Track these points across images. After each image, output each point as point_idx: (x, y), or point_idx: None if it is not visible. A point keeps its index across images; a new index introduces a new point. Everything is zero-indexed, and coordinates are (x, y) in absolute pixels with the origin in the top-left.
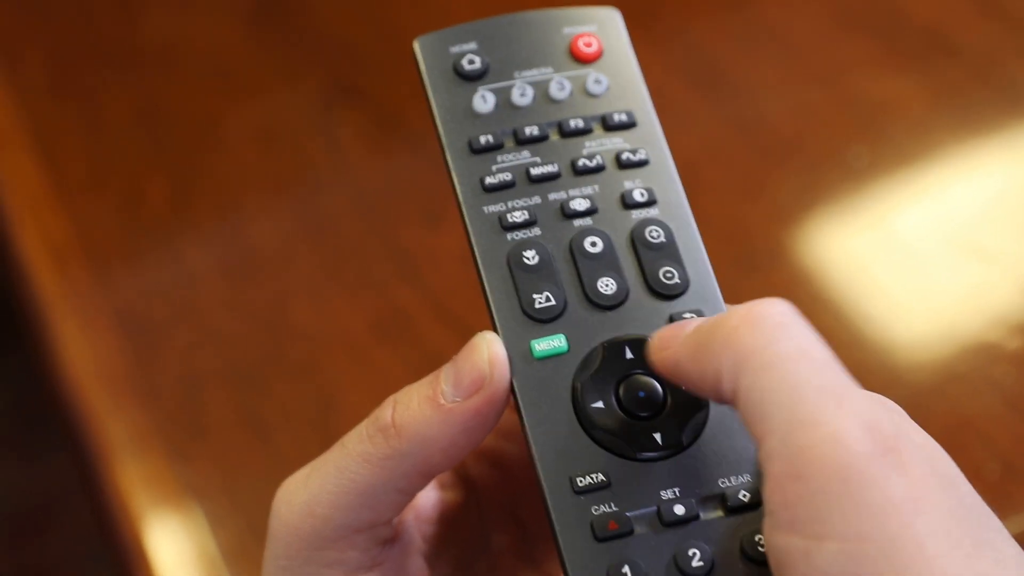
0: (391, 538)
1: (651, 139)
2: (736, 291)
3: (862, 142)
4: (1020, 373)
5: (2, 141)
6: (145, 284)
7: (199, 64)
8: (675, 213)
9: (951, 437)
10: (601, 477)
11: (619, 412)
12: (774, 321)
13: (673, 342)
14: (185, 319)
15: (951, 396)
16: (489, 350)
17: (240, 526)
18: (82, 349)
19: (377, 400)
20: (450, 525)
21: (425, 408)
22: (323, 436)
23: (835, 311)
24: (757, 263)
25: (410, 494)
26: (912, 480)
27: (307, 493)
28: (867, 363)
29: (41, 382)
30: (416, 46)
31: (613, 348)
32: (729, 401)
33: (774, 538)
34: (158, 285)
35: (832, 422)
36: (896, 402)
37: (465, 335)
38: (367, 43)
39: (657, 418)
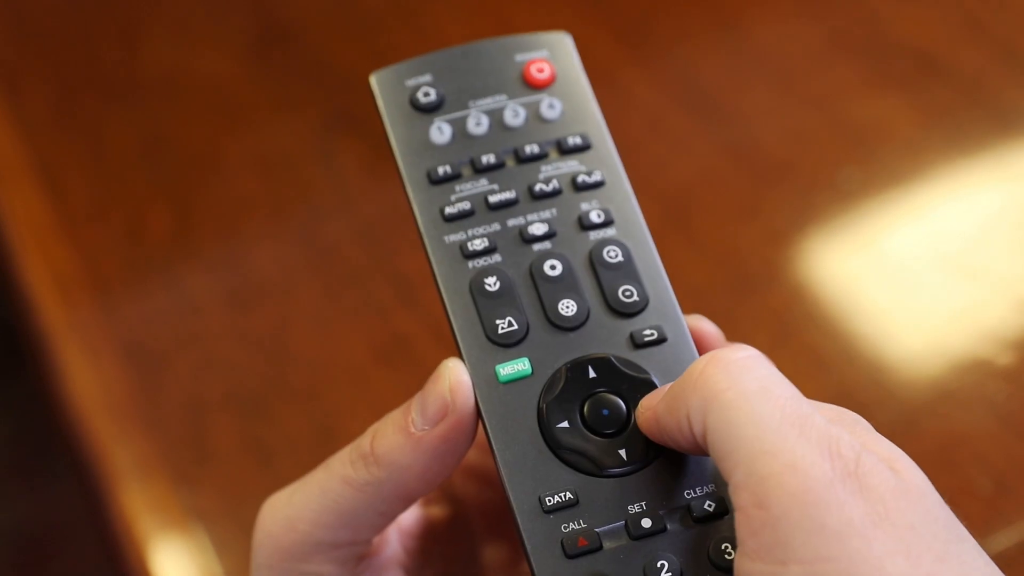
0: (370, 554)
1: (606, 160)
2: (731, 313)
3: (853, 164)
4: (1012, 389)
5: (6, 172)
6: (149, 312)
7: (200, 94)
8: (632, 232)
9: (943, 454)
10: (569, 495)
11: (584, 431)
12: (737, 364)
13: (653, 400)
14: (188, 346)
15: (943, 413)
16: (451, 378)
17: (244, 549)
18: (87, 377)
19: None
20: (435, 540)
21: (398, 437)
22: (324, 460)
23: (829, 330)
24: (751, 285)
25: (391, 516)
26: (872, 501)
27: (291, 508)
28: (860, 381)
29: (47, 410)
30: (372, 81)
31: (576, 369)
32: (701, 444)
33: (743, 566)
34: (161, 313)
35: (792, 451)
36: (889, 419)
37: None
38: (364, 72)
39: (621, 435)
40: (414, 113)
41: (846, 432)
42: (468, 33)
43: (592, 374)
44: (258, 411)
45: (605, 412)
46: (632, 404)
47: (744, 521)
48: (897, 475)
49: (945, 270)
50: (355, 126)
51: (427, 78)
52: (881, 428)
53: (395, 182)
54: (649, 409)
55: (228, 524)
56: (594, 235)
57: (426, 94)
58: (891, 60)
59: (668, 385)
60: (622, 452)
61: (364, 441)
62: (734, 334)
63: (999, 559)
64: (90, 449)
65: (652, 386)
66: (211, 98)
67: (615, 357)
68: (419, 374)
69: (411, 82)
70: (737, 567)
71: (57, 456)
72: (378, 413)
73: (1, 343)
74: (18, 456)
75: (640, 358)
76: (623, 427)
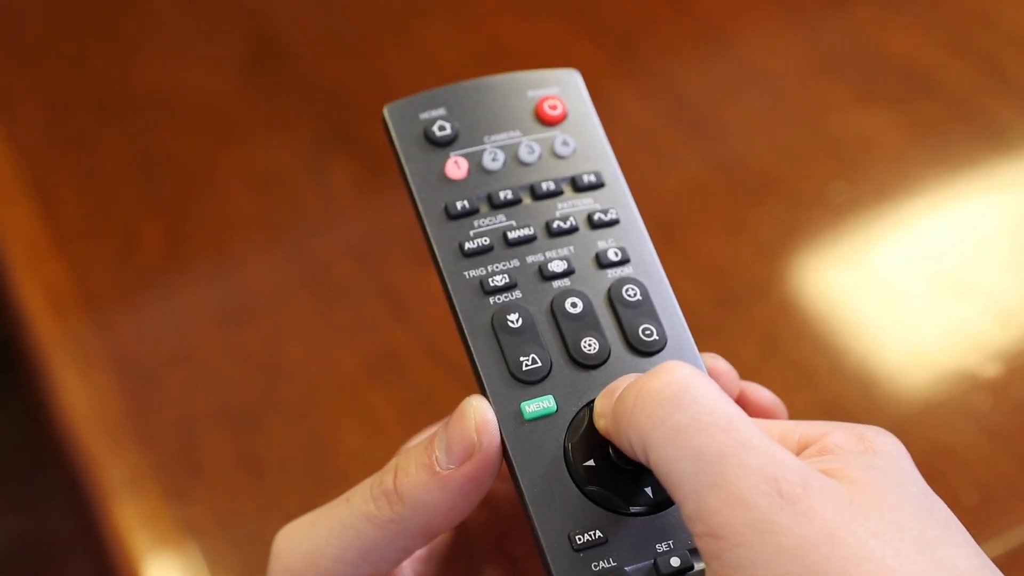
0: None
1: (619, 198)
2: (719, 327)
3: (841, 178)
4: (997, 401)
5: (0, 189)
6: (141, 328)
7: (192, 111)
8: (648, 271)
9: (930, 464)
10: (598, 534)
11: (609, 469)
12: (663, 395)
13: (605, 411)
14: (181, 362)
15: (929, 424)
16: (476, 416)
17: (237, 563)
18: (80, 392)
19: (370, 439)
20: (441, 563)
21: (422, 475)
22: (317, 474)
23: (816, 344)
24: (739, 299)
25: (412, 551)
26: (823, 521)
27: (311, 543)
28: (848, 393)
29: (40, 426)
30: (386, 113)
31: None
32: (651, 468)
33: None
34: (154, 329)
35: (736, 483)
36: None
37: (456, 374)
38: (356, 90)
39: (646, 472)
40: (429, 146)
41: (791, 457)
42: (459, 50)
43: None
44: (250, 426)
45: None
46: None
47: (704, 548)
48: (863, 491)
49: (931, 284)
50: (346, 143)
51: (441, 111)
52: None
53: (387, 198)
54: (601, 419)
55: (220, 538)
56: (612, 273)
57: (441, 128)
58: (878, 75)
59: (616, 389)
60: (648, 490)
61: (387, 478)
62: (721, 348)
63: None
64: (83, 464)
65: None
66: (203, 115)
67: None
68: (410, 388)
69: (425, 115)
70: None
71: (47, 477)
72: (370, 426)
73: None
74: (8, 477)
75: None
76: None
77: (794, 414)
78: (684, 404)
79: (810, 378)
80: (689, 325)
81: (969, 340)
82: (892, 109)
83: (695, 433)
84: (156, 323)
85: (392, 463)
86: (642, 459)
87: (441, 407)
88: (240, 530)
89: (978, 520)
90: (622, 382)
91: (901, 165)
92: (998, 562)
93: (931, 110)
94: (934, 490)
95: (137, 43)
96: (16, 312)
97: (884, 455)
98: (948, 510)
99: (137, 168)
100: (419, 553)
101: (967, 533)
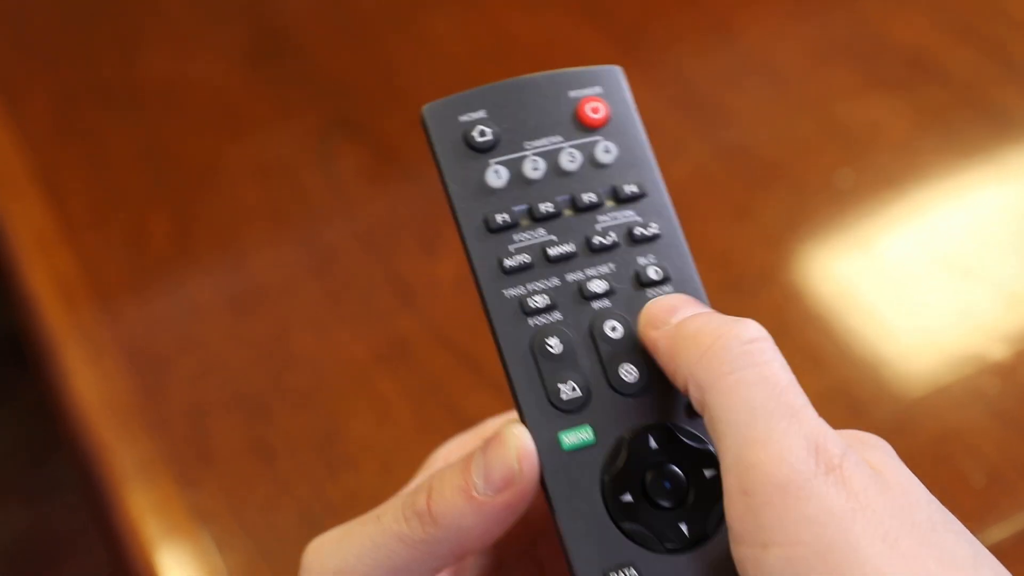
0: None
1: (661, 211)
2: (727, 312)
3: (847, 165)
4: (1004, 384)
5: (9, 181)
6: (150, 317)
7: (198, 102)
8: (689, 290)
9: (938, 448)
10: (633, 572)
11: (646, 505)
12: (741, 348)
13: (659, 324)
14: (190, 350)
15: (938, 407)
16: (518, 445)
17: (248, 549)
18: (90, 382)
19: (379, 426)
20: (470, 570)
21: (458, 499)
22: (327, 461)
23: (824, 329)
24: (747, 285)
25: (440, 571)
26: (852, 494)
27: (340, 559)
28: (856, 378)
29: (51, 415)
30: (424, 114)
31: (637, 440)
32: (697, 409)
33: (734, 551)
34: (163, 318)
35: (779, 441)
36: (884, 415)
37: (464, 361)
38: (361, 78)
39: (682, 507)
40: (469, 152)
41: (831, 431)
42: (465, 40)
43: (653, 444)
44: (260, 413)
45: (667, 485)
46: (692, 476)
47: (731, 505)
48: (880, 475)
49: (938, 268)
50: (353, 132)
51: (481, 114)
52: (877, 424)
53: (394, 187)
54: (652, 333)
55: (231, 524)
56: (652, 292)
57: (482, 133)
58: (884, 62)
59: (677, 308)
60: (683, 527)
61: (420, 499)
62: None
63: (993, 552)
64: (95, 453)
65: (712, 457)
66: (210, 105)
67: (675, 426)
68: (419, 375)
69: (465, 118)
70: (732, 551)
71: (54, 468)
72: (379, 414)
73: (4, 350)
74: (18, 471)
75: (698, 426)
76: (684, 499)
77: None
78: (758, 361)
79: (817, 362)
80: None
81: (976, 323)
82: (898, 96)
83: (757, 390)
84: (165, 312)
85: (424, 485)
86: (692, 395)
87: (450, 394)
88: (251, 516)
89: (986, 502)
90: (680, 303)
91: (907, 152)
92: (1005, 544)
93: (937, 97)
94: (942, 473)
95: (143, 35)
96: (26, 303)
97: (880, 449)
98: (937, 500)
99: (145, 159)
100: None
101: (958, 522)
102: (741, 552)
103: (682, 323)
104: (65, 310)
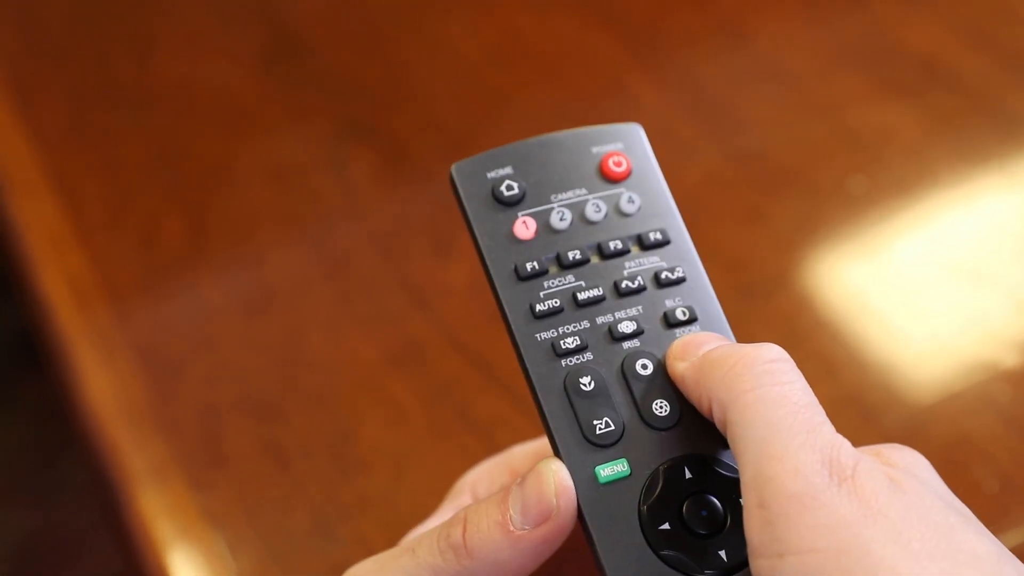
0: None
1: (685, 256)
2: (739, 318)
3: (860, 171)
4: (1016, 391)
5: (23, 183)
6: (163, 319)
7: (211, 104)
8: (714, 327)
9: (950, 454)
10: None
11: (684, 533)
12: (763, 367)
13: (687, 357)
14: (203, 352)
15: (949, 414)
16: (556, 480)
17: (260, 552)
18: (103, 383)
19: (392, 429)
20: None
21: (495, 533)
22: (340, 464)
23: (836, 334)
24: (759, 290)
25: None
26: (865, 500)
27: None
28: (868, 384)
29: (61, 416)
30: (453, 172)
31: (672, 470)
32: (720, 429)
33: (752, 564)
34: (176, 320)
35: (796, 456)
36: (896, 421)
37: (476, 364)
38: (375, 81)
39: (720, 535)
40: (497, 206)
41: (845, 445)
42: (477, 42)
43: (688, 474)
44: (273, 415)
45: (704, 513)
46: (728, 505)
47: (748, 520)
48: (893, 481)
49: (950, 274)
50: (366, 135)
51: (508, 170)
52: (888, 431)
53: (406, 190)
54: (679, 365)
55: (243, 526)
56: (680, 331)
57: (509, 188)
58: (897, 68)
59: (703, 342)
60: (722, 553)
61: (455, 531)
62: (741, 338)
63: None
64: (107, 454)
65: None
66: (223, 108)
67: (709, 457)
68: (432, 378)
69: (492, 175)
70: (750, 563)
71: (62, 470)
72: (392, 417)
73: (16, 351)
74: (26, 472)
75: (731, 456)
76: (721, 526)
77: None
78: (778, 381)
79: (829, 368)
80: None
81: (988, 330)
82: (911, 102)
83: (776, 407)
84: (178, 314)
85: (459, 517)
86: (715, 415)
87: (462, 397)
88: (263, 518)
89: (999, 508)
90: (707, 339)
91: (920, 158)
92: (1019, 551)
93: (950, 103)
94: (954, 479)
95: (157, 37)
96: (39, 303)
97: (908, 459)
98: (967, 508)
99: (158, 161)
100: None
101: (984, 526)
102: (758, 564)
103: (707, 352)
104: (78, 311)
